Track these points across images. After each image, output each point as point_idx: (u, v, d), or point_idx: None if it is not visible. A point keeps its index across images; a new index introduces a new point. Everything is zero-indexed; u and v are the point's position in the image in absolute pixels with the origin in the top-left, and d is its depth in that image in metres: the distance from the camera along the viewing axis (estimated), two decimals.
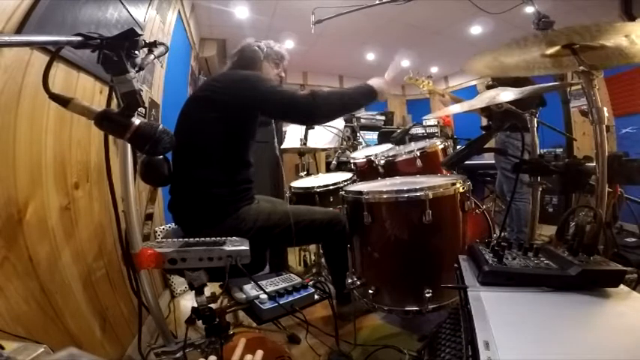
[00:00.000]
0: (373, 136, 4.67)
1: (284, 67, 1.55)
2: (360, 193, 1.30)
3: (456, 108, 1.54)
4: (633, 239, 1.92)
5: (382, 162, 1.79)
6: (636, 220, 1.31)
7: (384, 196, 1.26)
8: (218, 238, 0.99)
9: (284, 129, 2.46)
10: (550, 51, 1.03)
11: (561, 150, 3.31)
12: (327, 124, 2.31)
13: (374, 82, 1.39)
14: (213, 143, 1.25)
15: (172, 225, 1.58)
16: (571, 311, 0.58)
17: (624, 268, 0.63)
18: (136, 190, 1.23)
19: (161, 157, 1.20)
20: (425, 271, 1.24)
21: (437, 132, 4.76)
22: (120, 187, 1.05)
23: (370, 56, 4.76)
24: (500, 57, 1.13)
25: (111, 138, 0.95)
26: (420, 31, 3.85)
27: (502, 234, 1.71)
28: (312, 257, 2.32)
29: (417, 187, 1.22)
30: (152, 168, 1.21)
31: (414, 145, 1.88)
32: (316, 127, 2.32)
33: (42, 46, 0.96)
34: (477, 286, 0.67)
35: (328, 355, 1.36)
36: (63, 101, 0.69)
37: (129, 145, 1.05)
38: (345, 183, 1.87)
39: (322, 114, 1.30)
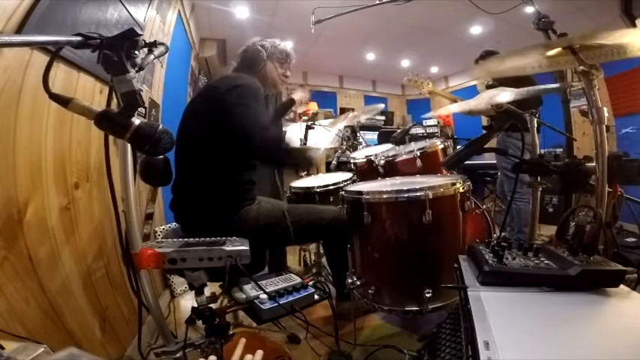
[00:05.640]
0: (373, 136, 4.67)
1: (289, 65, 1.52)
2: (360, 193, 1.29)
3: (458, 108, 1.54)
4: (633, 239, 1.92)
5: (382, 162, 1.79)
6: (636, 220, 1.30)
7: (384, 196, 1.26)
8: (218, 238, 0.99)
9: (283, 129, 2.46)
10: (551, 53, 1.03)
11: (561, 150, 3.31)
12: (327, 124, 2.34)
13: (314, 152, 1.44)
14: (213, 144, 1.25)
15: (173, 225, 1.58)
16: (571, 311, 0.58)
17: (624, 268, 0.63)
18: (136, 190, 1.23)
19: (161, 156, 1.20)
20: (425, 271, 1.24)
21: (437, 132, 4.76)
22: (120, 187, 1.05)
23: (370, 56, 4.76)
24: (502, 62, 1.14)
25: (111, 138, 0.95)
26: (420, 31, 3.85)
27: (502, 234, 1.71)
28: (312, 257, 2.32)
29: (417, 187, 1.22)
30: (152, 168, 1.21)
31: (414, 145, 1.87)
32: (316, 127, 2.32)
33: (42, 46, 0.96)
34: (477, 286, 0.67)
35: (328, 355, 1.36)
36: (63, 101, 0.69)
37: (129, 145, 1.05)
38: (345, 183, 1.87)
39: (269, 158, 1.37)
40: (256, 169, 1.39)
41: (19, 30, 0.90)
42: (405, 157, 1.76)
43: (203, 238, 1.00)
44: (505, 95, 1.12)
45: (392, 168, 1.78)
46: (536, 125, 1.34)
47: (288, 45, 1.51)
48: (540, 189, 1.24)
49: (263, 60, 1.43)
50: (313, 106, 4.03)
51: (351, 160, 2.08)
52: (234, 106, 1.22)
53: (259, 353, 0.75)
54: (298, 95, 2.11)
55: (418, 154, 1.71)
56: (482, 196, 3.43)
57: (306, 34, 2.45)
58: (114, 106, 0.76)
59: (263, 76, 1.44)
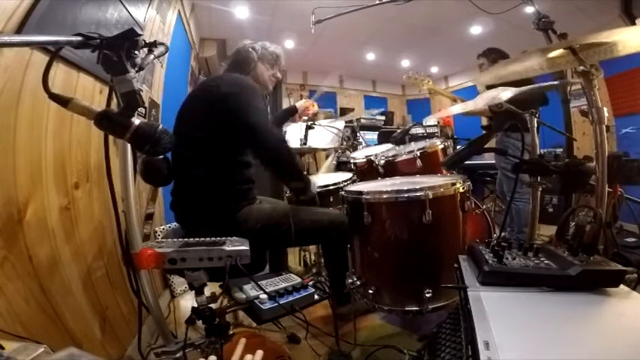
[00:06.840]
0: (373, 136, 4.67)
1: (280, 67, 1.54)
2: (360, 193, 1.29)
3: (458, 109, 1.54)
4: (633, 239, 1.92)
5: (382, 162, 1.79)
6: (636, 220, 1.31)
7: (384, 196, 1.26)
8: (218, 238, 0.99)
9: (284, 129, 2.46)
10: (552, 54, 1.03)
11: (561, 150, 3.31)
12: (327, 124, 2.35)
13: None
14: (213, 143, 1.25)
15: (173, 225, 1.58)
16: (571, 311, 0.58)
17: (624, 268, 0.63)
18: (136, 190, 1.23)
19: (161, 156, 1.21)
20: (425, 271, 1.24)
21: (437, 132, 4.75)
22: (120, 187, 1.05)
23: (370, 56, 4.76)
24: (504, 68, 1.14)
25: (111, 138, 0.96)
26: (420, 31, 3.85)
27: (502, 234, 1.71)
28: (312, 257, 2.32)
29: (417, 187, 1.22)
30: (152, 168, 1.21)
31: (414, 145, 1.87)
32: (316, 127, 2.33)
33: (42, 46, 0.96)
34: (477, 286, 0.67)
35: (328, 355, 1.36)
36: (63, 101, 0.69)
37: (129, 145, 1.05)
38: (345, 183, 1.87)
39: (277, 159, 1.28)
40: (256, 169, 1.39)
41: (19, 30, 0.90)
42: (405, 157, 1.76)
43: (203, 238, 1.00)
44: (506, 94, 1.12)
45: (392, 168, 1.78)
46: (536, 125, 1.34)
47: (278, 47, 1.53)
48: (540, 189, 1.24)
49: (254, 62, 1.45)
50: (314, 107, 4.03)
51: (351, 160, 2.08)
52: (240, 105, 1.23)
53: (259, 353, 0.75)
54: (301, 104, 2.21)
55: (418, 154, 1.71)
56: (482, 196, 3.43)
57: (306, 34, 2.46)
58: (114, 106, 0.76)
59: (254, 77, 1.46)
